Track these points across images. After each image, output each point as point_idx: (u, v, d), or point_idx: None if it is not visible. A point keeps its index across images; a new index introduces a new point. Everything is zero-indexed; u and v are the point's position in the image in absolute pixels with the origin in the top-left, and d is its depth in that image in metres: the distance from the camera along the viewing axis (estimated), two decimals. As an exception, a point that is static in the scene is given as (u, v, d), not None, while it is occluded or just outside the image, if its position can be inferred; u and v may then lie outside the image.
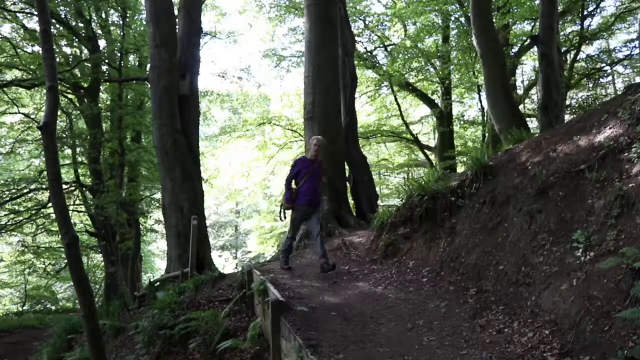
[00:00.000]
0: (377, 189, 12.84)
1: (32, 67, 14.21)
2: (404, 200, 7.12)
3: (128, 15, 15.01)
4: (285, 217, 6.84)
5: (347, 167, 11.29)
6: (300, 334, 4.18)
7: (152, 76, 10.16)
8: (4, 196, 14.94)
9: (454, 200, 6.14)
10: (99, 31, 15.76)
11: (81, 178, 16.43)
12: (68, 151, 16.65)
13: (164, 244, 17.70)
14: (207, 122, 21.05)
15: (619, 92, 9.61)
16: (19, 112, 15.87)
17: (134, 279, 13.46)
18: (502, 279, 4.73)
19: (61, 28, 14.76)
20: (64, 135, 15.69)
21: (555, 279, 4.12)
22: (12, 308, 21.96)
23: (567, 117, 12.60)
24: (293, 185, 6.67)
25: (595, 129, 5.02)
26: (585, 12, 14.95)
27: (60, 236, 5.82)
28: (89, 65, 15.15)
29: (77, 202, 17.46)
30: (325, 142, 6.81)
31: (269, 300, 4.92)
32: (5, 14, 13.94)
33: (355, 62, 13.60)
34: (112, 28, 16.38)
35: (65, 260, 12.74)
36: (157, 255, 30.66)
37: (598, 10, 15.41)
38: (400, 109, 19.07)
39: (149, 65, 10.90)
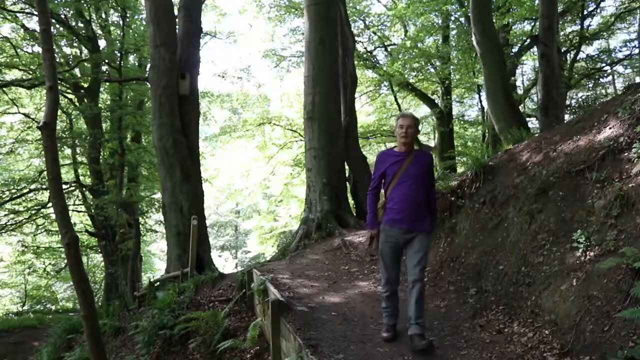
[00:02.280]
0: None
1: (32, 67, 14.21)
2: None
3: (128, 15, 15.00)
4: (376, 253, 4.37)
5: (347, 167, 11.29)
6: (300, 334, 4.18)
7: (152, 76, 10.15)
8: (4, 196, 14.93)
9: (454, 200, 6.14)
10: (99, 31, 15.76)
11: (81, 178, 16.42)
12: (68, 151, 16.64)
13: (164, 244, 17.68)
14: (207, 122, 21.04)
15: (619, 92, 9.61)
16: (19, 112, 15.86)
17: (134, 279, 13.44)
18: (502, 279, 4.73)
19: (61, 28, 14.75)
20: (64, 135, 15.68)
21: (555, 279, 4.12)
22: (12, 308, 21.95)
23: (567, 117, 12.60)
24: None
25: (595, 129, 5.02)
26: (585, 12, 14.96)
27: (60, 236, 5.82)
28: (89, 65, 15.15)
29: (77, 202, 17.45)
30: (418, 121, 4.24)
31: (269, 300, 4.92)
32: (5, 14, 13.93)
33: (355, 62, 13.60)
34: (112, 28, 16.37)
35: (65, 260, 12.74)
36: (157, 255, 30.64)
37: (598, 10, 15.42)
38: (400, 109, 19.07)
39: (149, 65, 10.89)
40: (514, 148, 6.22)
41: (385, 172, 4.05)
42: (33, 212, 16.04)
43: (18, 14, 14.23)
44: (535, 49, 13.08)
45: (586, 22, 15.42)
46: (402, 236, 3.95)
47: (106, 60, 14.90)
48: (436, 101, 19.19)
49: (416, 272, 3.90)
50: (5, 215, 15.81)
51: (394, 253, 4.03)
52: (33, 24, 14.48)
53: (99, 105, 15.75)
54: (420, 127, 4.11)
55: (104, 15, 16.22)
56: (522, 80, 19.96)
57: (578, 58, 15.92)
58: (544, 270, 4.30)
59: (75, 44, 16.15)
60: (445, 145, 17.66)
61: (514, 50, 16.05)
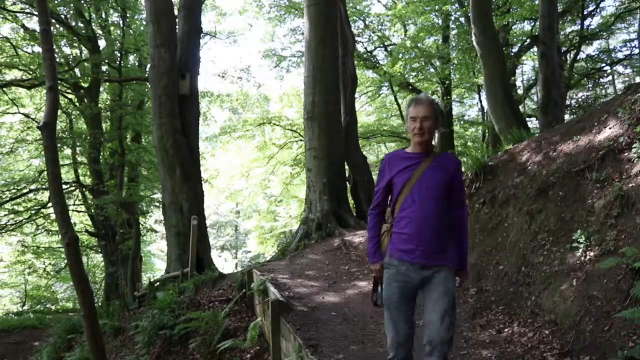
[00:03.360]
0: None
1: (32, 67, 14.21)
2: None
3: (128, 15, 15.01)
4: (379, 301, 2.83)
5: (347, 167, 11.29)
6: (300, 334, 4.18)
7: (152, 76, 10.16)
8: (4, 196, 14.94)
9: (454, 200, 6.13)
10: (99, 31, 15.76)
11: (81, 178, 16.43)
12: (68, 151, 16.65)
13: (164, 244, 17.70)
14: (207, 122, 21.06)
15: (619, 92, 9.62)
16: (19, 112, 15.86)
17: (134, 279, 13.46)
18: (502, 279, 4.73)
19: (61, 28, 14.76)
20: (64, 135, 15.69)
21: (555, 279, 4.12)
22: (12, 308, 21.96)
23: (567, 117, 12.60)
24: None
25: (595, 129, 5.02)
26: (585, 12, 14.96)
27: (60, 236, 5.82)
28: (89, 65, 15.16)
29: (77, 202, 17.46)
30: (439, 108, 3.15)
31: (269, 300, 4.92)
32: (5, 14, 13.94)
33: (355, 62, 13.60)
34: (112, 28, 16.38)
35: (65, 260, 12.75)
36: (157, 255, 30.65)
37: (598, 10, 15.43)
38: (400, 109, 19.08)
39: (149, 65, 10.90)
40: (514, 148, 6.22)
41: (392, 182, 2.77)
42: (33, 212, 16.04)
43: (18, 14, 14.24)
44: (535, 49, 13.08)
45: (586, 22, 15.43)
46: (416, 274, 2.63)
47: (106, 60, 14.90)
48: (436, 101, 19.14)
49: (439, 331, 2.55)
50: (5, 215, 15.82)
51: (405, 299, 2.66)
52: (33, 24, 14.50)
53: (99, 105, 15.75)
54: (441, 118, 2.79)
55: (104, 15, 16.22)
56: (522, 80, 19.98)
57: (578, 58, 15.92)
58: (544, 270, 4.30)
59: (75, 44, 16.16)
60: (445, 146, 17.65)
61: (514, 50, 16.05)
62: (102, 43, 15.70)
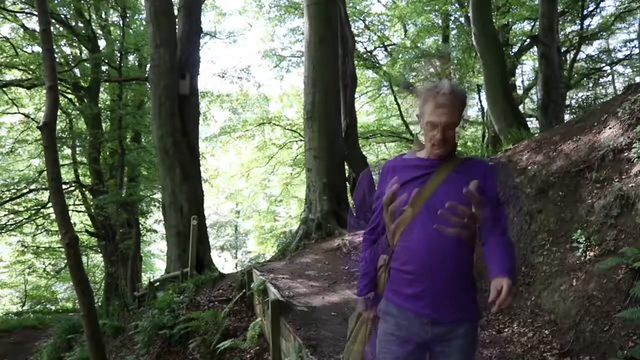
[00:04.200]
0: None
1: (32, 67, 14.21)
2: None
3: (128, 15, 15.01)
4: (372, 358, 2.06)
5: (347, 167, 11.29)
6: (300, 334, 4.18)
7: (152, 76, 10.16)
8: (4, 196, 14.94)
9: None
10: (99, 31, 15.76)
11: (81, 178, 16.42)
12: (68, 151, 16.64)
13: (164, 244, 17.68)
14: (207, 122, 21.05)
15: (619, 92, 9.62)
16: (19, 112, 15.86)
17: (134, 279, 13.45)
18: (502, 279, 4.72)
19: (61, 28, 14.75)
20: (64, 135, 15.69)
21: (555, 279, 4.12)
22: (12, 308, 21.95)
23: (567, 117, 12.60)
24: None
25: (595, 129, 5.02)
26: (585, 12, 14.96)
27: (60, 236, 5.82)
28: (89, 65, 15.15)
29: (77, 202, 17.45)
30: (466, 103, 1.94)
31: (269, 300, 4.92)
32: (5, 14, 13.93)
33: (355, 62, 13.61)
34: (112, 28, 16.38)
35: (65, 260, 12.75)
36: (157, 256, 30.63)
37: (598, 10, 15.43)
38: (400, 109, 19.07)
39: (149, 65, 10.90)
40: (514, 148, 6.22)
41: (394, 196, 1.81)
42: (33, 212, 16.04)
43: (18, 14, 14.23)
44: (535, 49, 13.09)
45: (586, 22, 15.43)
46: (423, 331, 1.86)
47: (106, 60, 14.90)
48: (436, 101, 19.08)
49: None
50: (5, 215, 15.81)
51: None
52: (33, 24, 14.48)
53: (99, 105, 15.75)
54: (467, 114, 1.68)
55: (104, 15, 16.21)
56: (522, 80, 19.98)
57: (578, 58, 15.92)
58: (544, 270, 4.30)
59: (75, 44, 16.15)
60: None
61: (514, 50, 16.05)
62: (102, 43, 15.71)
